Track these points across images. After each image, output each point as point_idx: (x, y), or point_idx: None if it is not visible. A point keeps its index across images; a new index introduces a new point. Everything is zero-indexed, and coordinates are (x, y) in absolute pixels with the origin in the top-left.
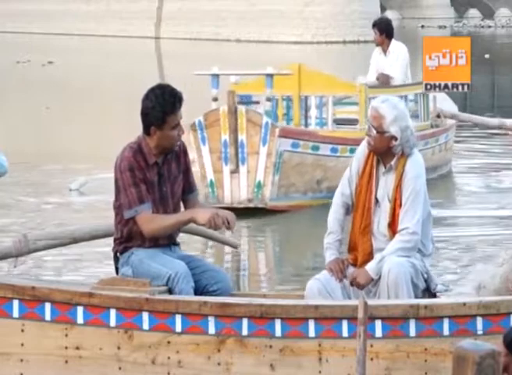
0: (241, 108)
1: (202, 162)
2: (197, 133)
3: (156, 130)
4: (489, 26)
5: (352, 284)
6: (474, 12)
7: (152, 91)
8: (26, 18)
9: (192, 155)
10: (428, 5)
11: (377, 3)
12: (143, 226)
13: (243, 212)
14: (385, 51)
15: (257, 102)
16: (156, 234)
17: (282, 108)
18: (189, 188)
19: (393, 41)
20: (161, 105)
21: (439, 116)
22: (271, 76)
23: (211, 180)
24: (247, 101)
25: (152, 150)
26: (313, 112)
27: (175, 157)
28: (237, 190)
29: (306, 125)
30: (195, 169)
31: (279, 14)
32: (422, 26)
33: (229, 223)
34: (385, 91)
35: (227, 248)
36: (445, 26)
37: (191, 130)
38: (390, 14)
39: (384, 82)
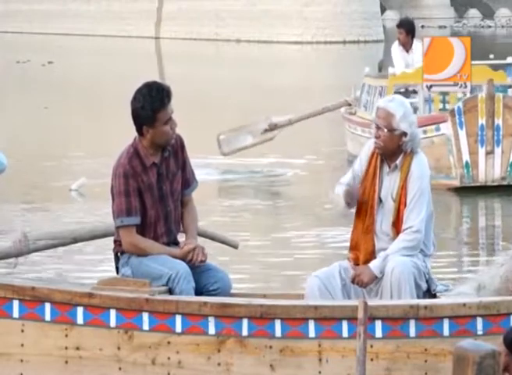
0: (498, 95)
1: (459, 145)
2: (455, 119)
3: (149, 129)
4: (489, 26)
5: (353, 282)
6: (474, 12)
7: (139, 91)
8: (26, 18)
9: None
10: (428, 5)
11: (377, 3)
12: (123, 240)
13: (496, 190)
14: (407, 50)
15: (415, 91)
16: (133, 253)
17: (438, 96)
18: (185, 184)
19: (414, 40)
20: (150, 103)
21: None
22: None
23: (466, 162)
24: (405, 90)
25: (148, 150)
26: None
27: (173, 153)
28: (491, 169)
29: None
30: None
31: (279, 14)
32: (422, 27)
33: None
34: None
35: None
36: (445, 26)
37: (450, 116)
38: (390, 14)
39: None
